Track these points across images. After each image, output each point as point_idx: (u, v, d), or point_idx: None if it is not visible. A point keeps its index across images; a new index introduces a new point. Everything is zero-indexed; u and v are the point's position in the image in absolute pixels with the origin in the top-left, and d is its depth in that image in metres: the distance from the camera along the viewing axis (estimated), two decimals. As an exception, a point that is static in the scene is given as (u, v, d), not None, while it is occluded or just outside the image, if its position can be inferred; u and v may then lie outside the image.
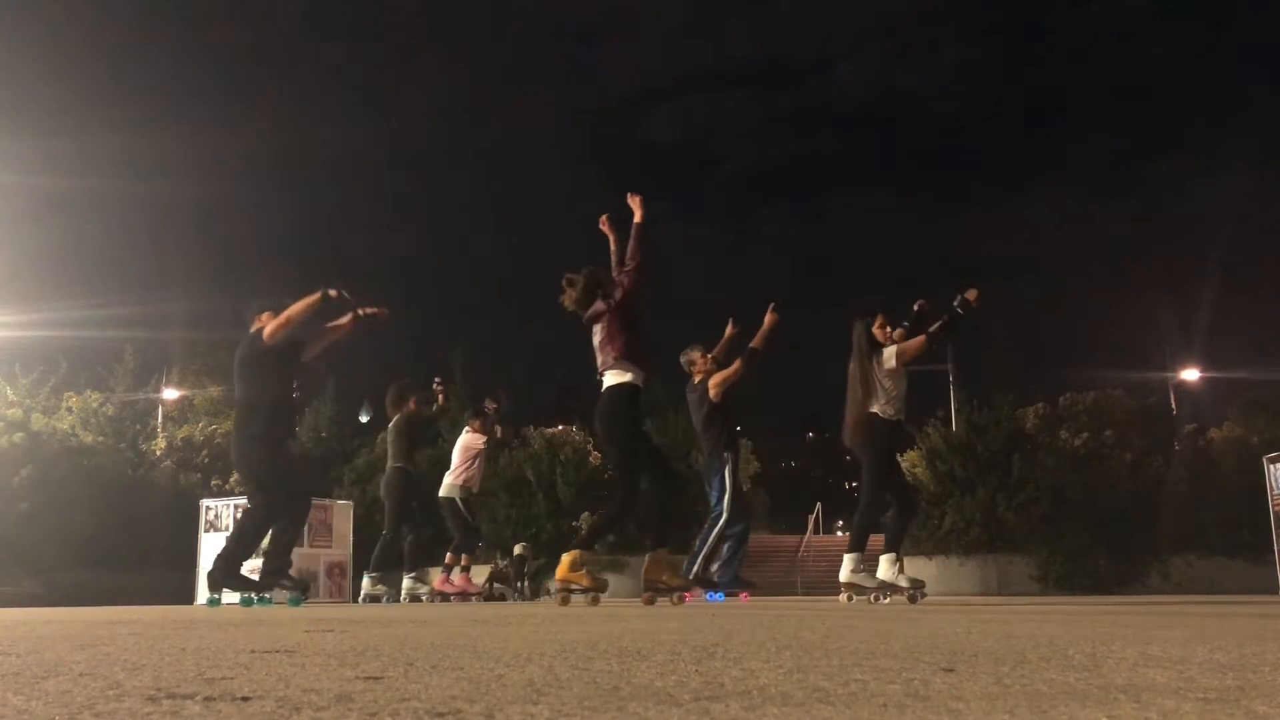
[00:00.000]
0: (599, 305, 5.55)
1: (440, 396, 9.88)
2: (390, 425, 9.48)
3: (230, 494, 14.19)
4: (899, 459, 7.20)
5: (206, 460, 17.83)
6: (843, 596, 6.45)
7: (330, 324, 6.53)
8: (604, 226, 5.87)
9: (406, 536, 9.41)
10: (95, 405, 16.09)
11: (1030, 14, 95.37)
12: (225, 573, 6.46)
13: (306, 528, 13.47)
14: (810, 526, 24.15)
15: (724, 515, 7.34)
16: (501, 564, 14.19)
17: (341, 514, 14.61)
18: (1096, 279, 72.85)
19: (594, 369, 5.69)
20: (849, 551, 6.40)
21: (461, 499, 9.46)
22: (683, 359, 7.73)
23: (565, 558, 5.54)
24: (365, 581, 9.60)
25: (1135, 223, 79.61)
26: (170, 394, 20.48)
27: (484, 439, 9.66)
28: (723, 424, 7.49)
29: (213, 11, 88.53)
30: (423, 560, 9.67)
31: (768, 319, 7.47)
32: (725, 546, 7.62)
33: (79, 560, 13.52)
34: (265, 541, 6.96)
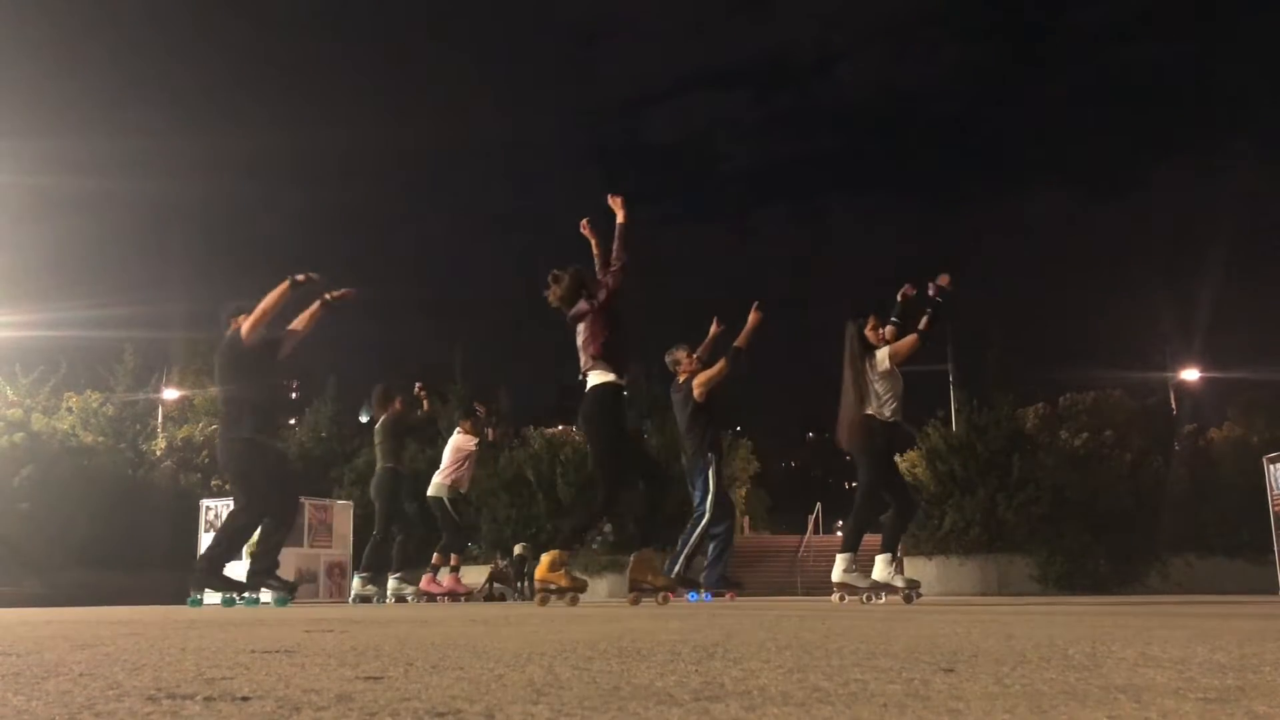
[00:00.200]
0: (582, 305, 5.56)
1: (424, 402, 9.93)
2: (377, 426, 9.49)
3: (230, 494, 14.18)
4: (898, 460, 7.21)
5: (206, 460, 17.84)
6: (835, 596, 6.45)
7: (291, 326, 6.56)
8: (585, 230, 5.85)
9: (396, 537, 9.44)
10: (95, 405, 16.09)
11: (1030, 14, 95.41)
12: (208, 573, 6.48)
13: (306, 528, 13.51)
14: (810, 526, 24.15)
15: (706, 515, 7.36)
16: (501, 564, 14.20)
17: (341, 514, 14.62)
18: (1096, 279, 72.87)
19: None
20: (841, 551, 6.41)
21: (449, 499, 9.48)
22: (667, 358, 7.75)
23: (544, 557, 5.56)
24: (355, 582, 9.61)
25: (1135, 223, 79.65)
26: (170, 394, 20.49)
27: (475, 440, 9.69)
28: (706, 424, 7.50)
29: (214, 12, 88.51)
30: (410, 561, 9.69)
31: (752, 318, 7.48)
32: (711, 547, 7.66)
33: (79, 560, 13.52)
34: (254, 542, 6.96)
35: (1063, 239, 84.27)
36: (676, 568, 7.18)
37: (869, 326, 6.46)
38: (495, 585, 13.05)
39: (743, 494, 20.88)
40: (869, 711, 1.03)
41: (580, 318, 5.57)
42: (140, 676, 1.41)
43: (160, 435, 18.41)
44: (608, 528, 16.89)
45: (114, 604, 9.11)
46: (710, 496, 7.37)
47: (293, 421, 24.46)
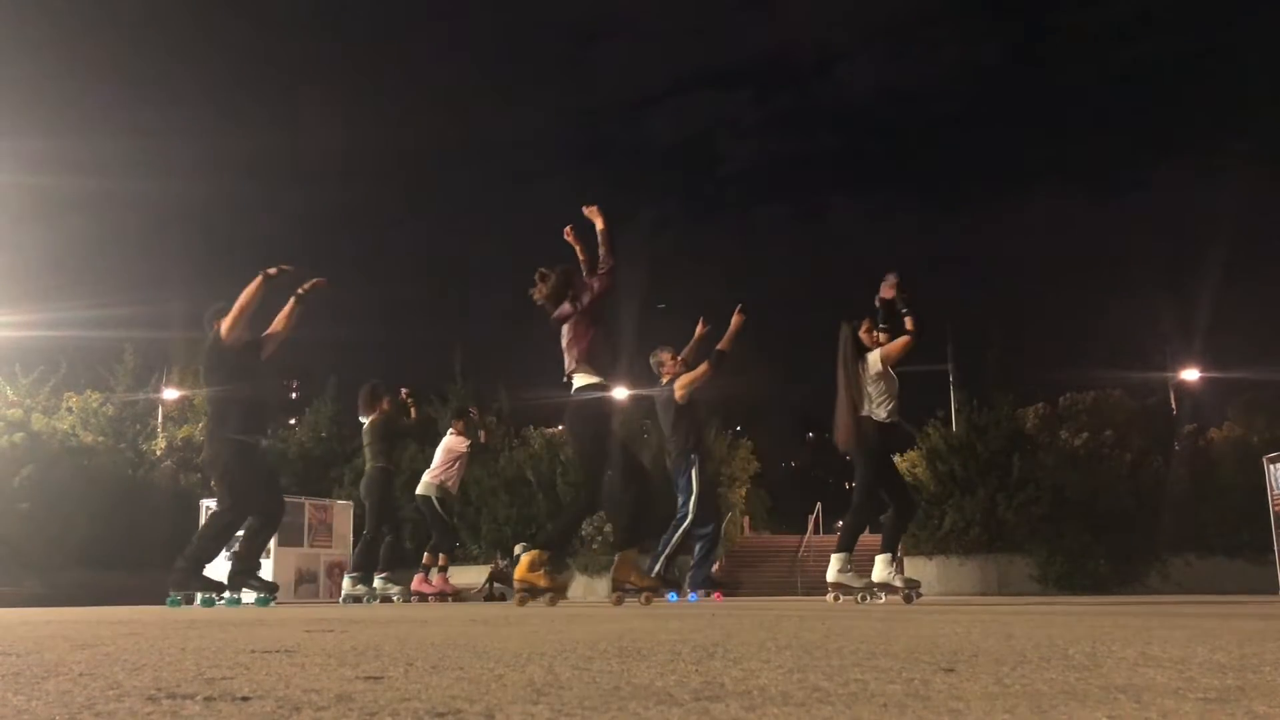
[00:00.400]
0: (566, 307, 5.57)
1: (412, 409, 9.94)
2: (365, 427, 9.51)
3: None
4: (897, 460, 7.22)
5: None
6: (829, 596, 6.46)
7: (270, 329, 6.60)
8: (569, 237, 5.85)
9: (386, 536, 9.46)
10: (95, 405, 16.08)
11: (1030, 14, 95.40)
12: (188, 573, 6.48)
13: (306, 528, 13.52)
14: (810, 526, 24.15)
15: (689, 516, 7.38)
16: (502, 564, 14.19)
17: (341, 514, 14.64)
18: (1096, 279, 72.82)
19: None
20: (836, 551, 6.42)
21: (437, 498, 9.50)
22: (651, 360, 7.77)
23: (524, 557, 5.58)
24: (346, 582, 9.61)
25: (1135, 223, 79.60)
26: (170, 394, 20.47)
27: (466, 443, 9.70)
28: (689, 425, 7.51)
29: (214, 11, 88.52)
30: (398, 560, 9.70)
31: (734, 320, 7.45)
32: (697, 547, 7.69)
33: (79, 560, 13.51)
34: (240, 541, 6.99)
35: (1063, 239, 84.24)
36: (657, 568, 7.19)
37: (863, 329, 6.46)
38: (495, 585, 13.05)
39: (743, 494, 20.86)
40: (869, 711, 1.03)
41: (564, 319, 5.59)
42: (140, 676, 1.41)
43: (160, 435, 18.41)
44: (608, 527, 16.87)
45: (114, 604, 9.11)
46: (693, 498, 7.39)
47: (293, 421, 24.45)
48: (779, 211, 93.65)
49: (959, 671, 1.40)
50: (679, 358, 7.65)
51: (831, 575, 6.37)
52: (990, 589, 15.21)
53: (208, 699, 1.15)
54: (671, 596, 7.40)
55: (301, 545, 13.36)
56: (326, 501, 14.71)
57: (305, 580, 13.40)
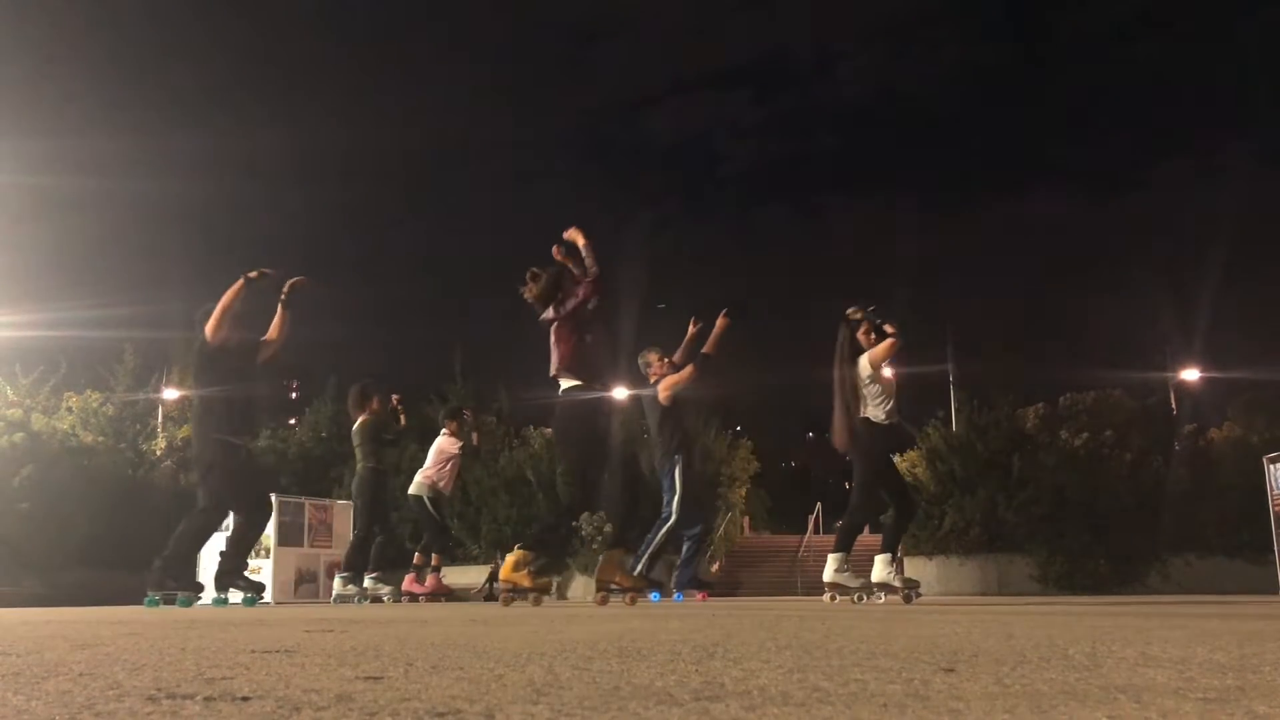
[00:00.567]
0: (550, 312, 5.59)
1: (401, 416, 9.95)
2: (355, 427, 9.52)
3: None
4: (897, 460, 7.21)
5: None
6: (826, 596, 6.47)
7: (266, 335, 6.69)
8: (557, 255, 5.86)
9: (377, 537, 9.48)
10: (95, 405, 16.07)
11: (1030, 14, 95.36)
12: (165, 573, 6.51)
13: (306, 528, 13.52)
14: (810, 526, 24.15)
15: (673, 516, 7.41)
16: (502, 564, 14.17)
17: (341, 514, 14.62)
18: (1096, 279, 72.82)
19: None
20: (833, 551, 6.43)
21: (429, 498, 9.51)
22: (640, 361, 7.79)
23: (510, 557, 5.62)
24: (337, 582, 9.61)
25: (1135, 223, 79.58)
26: (170, 394, 20.46)
27: (459, 444, 9.69)
28: (675, 426, 7.54)
29: (214, 11, 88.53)
30: (388, 561, 9.71)
31: (719, 323, 7.44)
32: (685, 547, 7.72)
33: (79, 560, 13.51)
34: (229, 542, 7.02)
35: (1063, 239, 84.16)
36: (639, 568, 7.20)
37: (861, 330, 6.44)
38: (495, 585, 13.05)
39: (743, 494, 20.85)
40: (869, 711, 1.03)
41: (550, 322, 5.62)
42: (140, 676, 1.41)
43: (160, 435, 18.41)
44: (608, 527, 16.87)
45: (114, 604, 9.11)
46: (677, 498, 7.42)
47: (293, 421, 24.46)
48: (778, 211, 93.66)
49: (959, 671, 1.40)
50: (667, 359, 7.67)
51: (828, 575, 6.37)
52: (990, 589, 15.21)
53: (208, 699, 1.15)
54: (654, 596, 7.42)
55: (301, 545, 13.36)
56: (326, 501, 14.70)
57: (305, 580, 13.39)
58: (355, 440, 9.51)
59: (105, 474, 14.85)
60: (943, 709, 1.04)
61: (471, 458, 9.82)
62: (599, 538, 16.83)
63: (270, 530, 13.00)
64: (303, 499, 13.89)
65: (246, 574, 6.88)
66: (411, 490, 9.62)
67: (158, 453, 17.58)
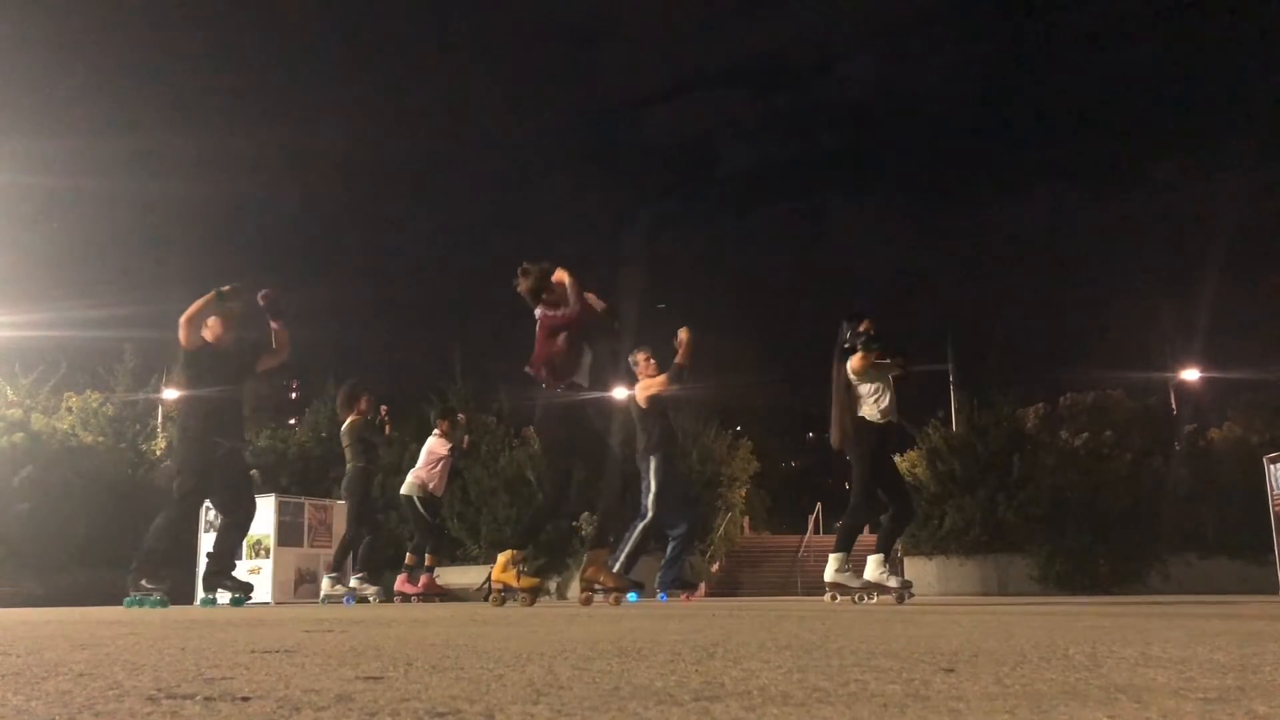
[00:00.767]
0: (538, 312, 5.61)
1: (387, 426, 9.95)
2: (344, 428, 9.53)
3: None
4: (898, 460, 7.21)
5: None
6: (827, 596, 6.47)
7: (267, 354, 6.81)
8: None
9: (365, 537, 9.48)
10: (95, 405, 16.05)
11: (1030, 14, 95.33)
12: (141, 573, 6.54)
13: (306, 528, 13.51)
14: (810, 526, 24.16)
15: (648, 514, 7.46)
16: (502, 564, 14.15)
17: (341, 514, 14.60)
18: (1097, 279, 72.82)
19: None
20: (834, 552, 6.44)
21: (419, 498, 9.52)
22: (630, 359, 7.86)
23: (500, 557, 5.66)
24: (324, 582, 9.62)
25: (1135, 222, 79.55)
26: (170, 394, 20.44)
27: (448, 446, 9.69)
28: (653, 426, 7.62)
29: (215, 11, 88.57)
30: (376, 561, 9.71)
31: (681, 336, 7.46)
32: (670, 547, 7.75)
33: (79, 560, 13.50)
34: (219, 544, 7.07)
35: (1063, 239, 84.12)
36: (616, 567, 7.23)
37: (862, 327, 6.41)
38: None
39: (743, 494, 20.83)
40: (869, 711, 1.03)
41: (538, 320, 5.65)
42: (140, 676, 1.41)
43: (160, 435, 18.39)
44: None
45: (114, 604, 9.11)
46: (651, 496, 7.46)
47: (292, 421, 24.45)
48: (779, 211, 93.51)
49: (959, 671, 1.40)
50: (654, 360, 7.75)
51: (829, 575, 6.37)
52: (990, 589, 15.22)
53: (208, 699, 1.15)
54: (632, 596, 7.43)
55: (301, 545, 13.35)
56: (326, 501, 14.69)
57: (305, 580, 13.38)
58: (344, 441, 9.53)
59: (105, 474, 14.84)
60: (943, 709, 1.04)
61: (461, 460, 9.79)
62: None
63: (270, 530, 13.01)
64: (303, 499, 13.89)
65: (234, 574, 6.96)
66: (403, 490, 9.66)
67: (158, 453, 17.57)
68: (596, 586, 5.82)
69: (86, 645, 2.11)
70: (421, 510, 9.56)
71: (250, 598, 7.04)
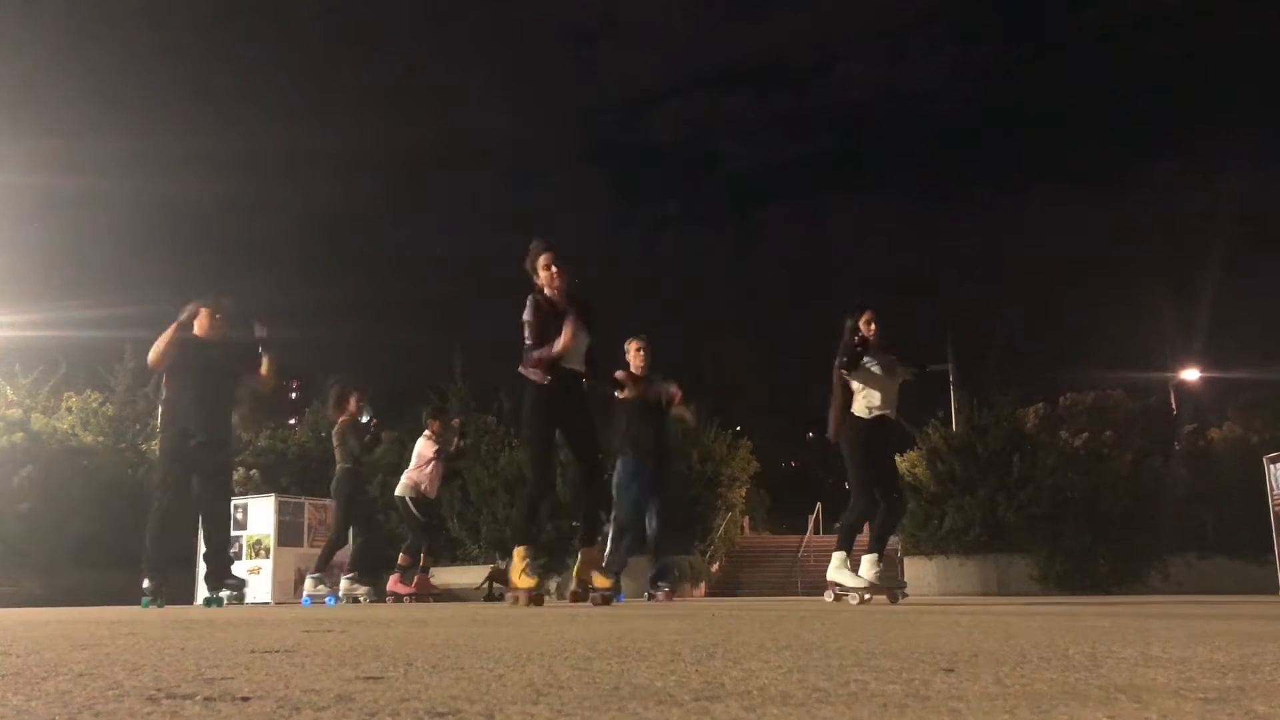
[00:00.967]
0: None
1: (378, 436, 9.93)
2: (335, 429, 9.51)
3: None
4: (894, 459, 7.20)
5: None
6: (827, 594, 6.47)
7: (253, 379, 7.04)
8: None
9: (358, 538, 9.47)
10: (95, 405, 16.06)
11: (1030, 14, 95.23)
12: (145, 573, 6.63)
13: (306, 527, 13.50)
14: (810, 526, 24.15)
15: (614, 514, 7.55)
16: (501, 564, 14.17)
17: (341, 514, 14.59)
18: (1097, 279, 72.82)
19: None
20: (835, 550, 6.46)
21: (410, 498, 9.52)
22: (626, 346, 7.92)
23: (517, 561, 5.67)
24: (308, 582, 9.60)
25: (1135, 223, 79.56)
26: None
27: (434, 449, 9.65)
28: (624, 421, 7.69)
29: (215, 11, 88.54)
30: (366, 562, 9.70)
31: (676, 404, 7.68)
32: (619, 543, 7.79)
33: (79, 560, 13.50)
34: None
35: (1063, 239, 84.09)
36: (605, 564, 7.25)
37: (862, 320, 6.38)
38: (495, 585, 13.05)
39: (743, 494, 20.84)
40: (869, 711, 1.03)
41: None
42: (140, 676, 1.41)
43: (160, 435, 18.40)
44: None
45: (114, 604, 9.11)
46: (613, 488, 7.60)
47: (292, 421, 24.45)
48: (779, 211, 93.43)
49: (959, 671, 1.40)
50: (644, 350, 7.76)
51: (831, 574, 6.39)
52: (990, 589, 15.21)
53: (208, 699, 1.15)
54: (619, 598, 7.45)
55: (301, 545, 13.34)
56: (326, 501, 14.66)
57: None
58: (334, 441, 9.52)
59: (105, 474, 14.83)
60: (943, 709, 1.04)
61: (452, 463, 9.74)
62: (599, 536, 16.84)
63: (270, 530, 13.00)
64: (303, 499, 13.88)
65: (232, 570, 7.02)
66: (397, 491, 9.68)
67: (158, 453, 17.58)
68: (590, 586, 5.82)
69: (86, 645, 2.11)
70: (414, 511, 9.55)
71: (242, 595, 7.04)
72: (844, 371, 6.34)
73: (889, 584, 6.37)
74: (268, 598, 12.30)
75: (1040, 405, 17.96)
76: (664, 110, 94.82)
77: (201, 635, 2.49)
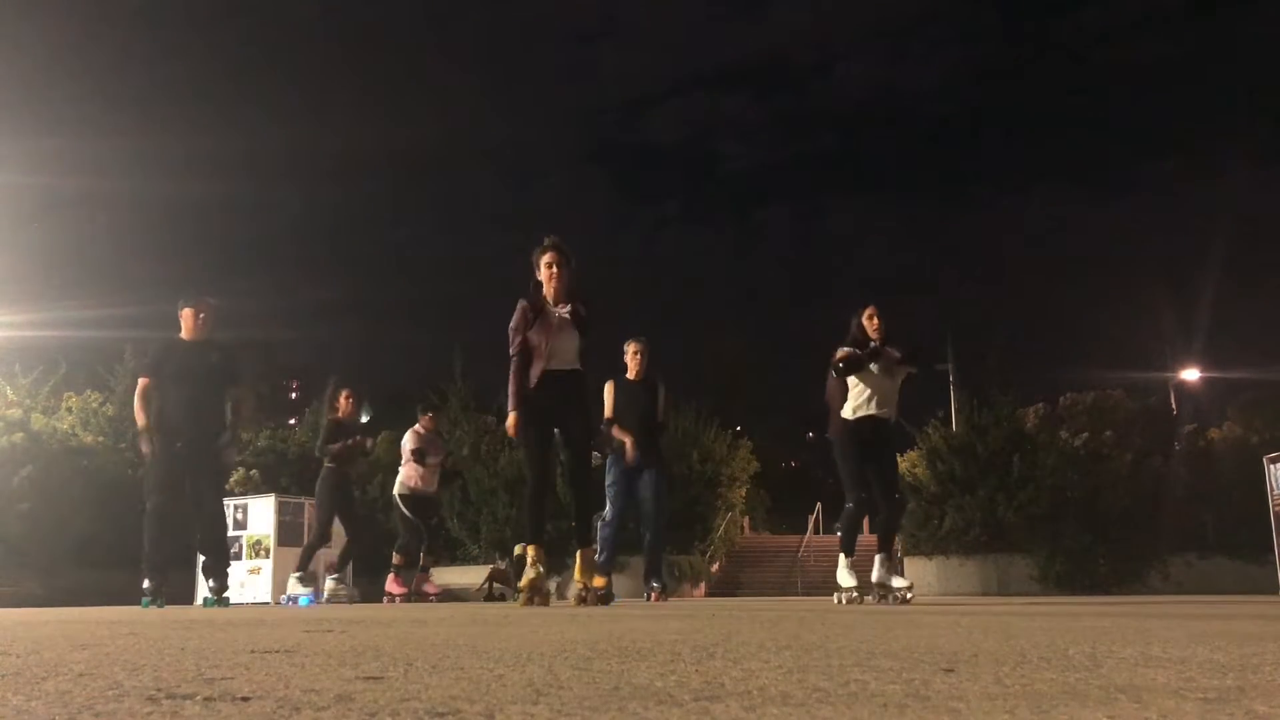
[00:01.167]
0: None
1: (368, 444, 9.91)
2: (324, 428, 9.48)
3: (228, 494, 14.15)
4: (894, 460, 7.16)
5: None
6: (834, 597, 6.48)
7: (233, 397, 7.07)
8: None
9: (346, 538, 9.45)
10: (95, 405, 16.05)
11: (1030, 14, 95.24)
12: (147, 574, 6.66)
13: (305, 527, 13.50)
14: (810, 526, 24.14)
15: (607, 515, 7.58)
16: (501, 564, 14.17)
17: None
18: (1096, 279, 72.79)
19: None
20: (840, 553, 6.49)
21: (402, 496, 9.48)
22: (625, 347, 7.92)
23: (528, 565, 5.69)
24: (290, 582, 9.58)
25: (1135, 223, 79.56)
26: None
27: (413, 447, 9.54)
28: (607, 429, 7.66)
29: (214, 11, 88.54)
30: (380, 563, 9.68)
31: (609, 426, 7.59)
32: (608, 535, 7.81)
33: (79, 560, 13.49)
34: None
35: (1063, 239, 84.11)
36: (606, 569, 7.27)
37: (865, 316, 6.35)
38: (495, 585, 13.04)
39: (743, 494, 20.84)
40: (869, 711, 1.03)
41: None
42: (140, 676, 1.41)
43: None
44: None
45: (114, 604, 9.11)
46: (608, 499, 7.62)
47: (292, 421, 24.46)
48: (779, 211, 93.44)
49: (959, 671, 1.40)
50: (641, 352, 7.74)
51: (839, 577, 6.42)
52: (990, 589, 15.21)
53: (208, 699, 1.15)
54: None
55: (301, 545, 13.35)
56: (326, 501, 14.69)
57: (305, 581, 13.37)
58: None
59: (105, 474, 14.82)
60: (943, 709, 1.04)
61: (420, 462, 9.59)
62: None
63: (270, 530, 13.01)
64: (303, 499, 13.87)
65: (227, 569, 7.03)
66: (394, 490, 9.66)
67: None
68: (588, 586, 5.83)
69: (86, 645, 2.11)
70: (404, 510, 9.51)
71: (226, 596, 7.03)
72: (832, 372, 6.35)
73: (886, 591, 6.37)
74: (268, 598, 12.30)
75: (1040, 405, 17.96)
76: (664, 110, 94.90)
77: (201, 635, 2.49)
